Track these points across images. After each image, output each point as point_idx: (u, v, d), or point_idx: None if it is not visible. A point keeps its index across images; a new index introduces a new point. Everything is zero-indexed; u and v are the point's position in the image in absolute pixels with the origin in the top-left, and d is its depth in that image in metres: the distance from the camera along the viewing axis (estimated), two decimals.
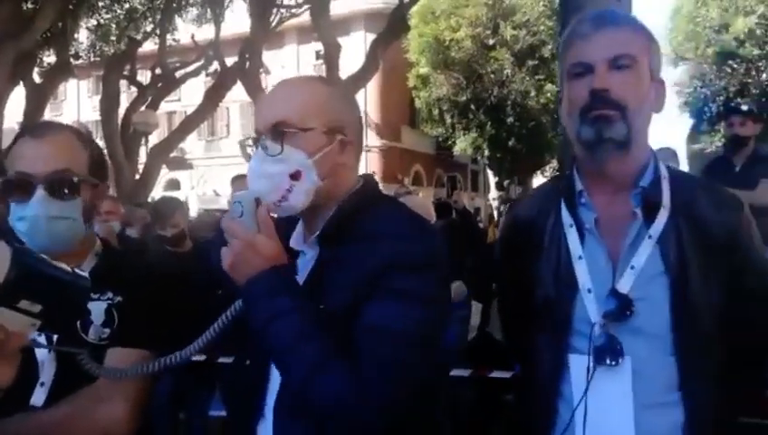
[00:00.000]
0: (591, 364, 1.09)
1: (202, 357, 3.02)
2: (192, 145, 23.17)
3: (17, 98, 12.37)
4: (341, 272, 1.03)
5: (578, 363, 1.13)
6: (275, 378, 1.07)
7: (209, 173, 24.78)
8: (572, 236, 1.18)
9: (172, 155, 15.18)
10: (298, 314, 0.97)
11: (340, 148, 1.10)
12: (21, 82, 11.96)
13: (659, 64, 1.20)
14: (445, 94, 20.04)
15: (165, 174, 19.74)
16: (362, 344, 0.96)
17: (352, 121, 1.14)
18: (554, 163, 22.01)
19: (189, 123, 13.39)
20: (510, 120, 19.65)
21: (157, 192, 14.19)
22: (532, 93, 19.07)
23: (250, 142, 1.11)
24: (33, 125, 1.34)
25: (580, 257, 1.16)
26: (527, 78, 19.01)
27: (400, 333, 0.96)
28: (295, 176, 1.05)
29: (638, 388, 1.09)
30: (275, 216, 1.09)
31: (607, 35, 1.15)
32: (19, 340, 0.82)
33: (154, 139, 13.74)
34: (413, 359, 0.97)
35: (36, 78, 12.63)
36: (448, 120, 20.90)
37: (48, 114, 14.45)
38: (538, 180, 25.60)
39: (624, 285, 1.10)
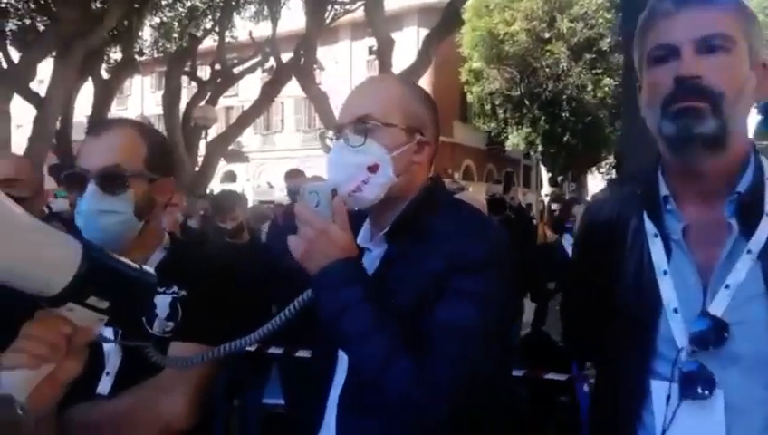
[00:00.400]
0: (677, 394, 0.97)
1: (254, 346, 3.12)
2: (248, 139, 23.75)
3: (86, 93, 13.02)
4: (407, 269, 1.05)
5: (660, 391, 1.00)
6: (340, 371, 1.10)
7: (264, 166, 25.39)
8: (657, 248, 1.03)
9: (230, 148, 15.60)
10: (372, 304, 0.98)
11: (418, 147, 1.13)
12: (90, 78, 12.58)
13: (760, 45, 1.01)
14: (498, 89, 19.77)
15: (222, 166, 20.34)
16: (430, 340, 0.97)
17: (430, 124, 1.17)
18: (611, 159, 21.36)
19: (246, 118, 13.73)
20: (565, 114, 19.21)
21: (215, 184, 14.66)
22: (589, 88, 18.57)
23: (330, 134, 1.15)
24: (97, 123, 1.37)
25: (665, 272, 1.01)
26: (584, 72, 18.52)
27: (467, 330, 0.97)
28: (373, 168, 1.07)
29: (731, 424, 0.94)
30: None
31: (695, 12, 0.98)
32: (86, 335, 0.85)
33: (213, 132, 14.16)
34: (479, 355, 0.98)
35: (104, 74, 13.23)
36: (501, 115, 20.62)
37: (114, 109, 15.14)
38: (593, 177, 24.89)
39: (717, 307, 0.96)
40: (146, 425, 1.12)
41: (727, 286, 0.96)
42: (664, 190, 1.06)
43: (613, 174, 21.14)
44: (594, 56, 18.53)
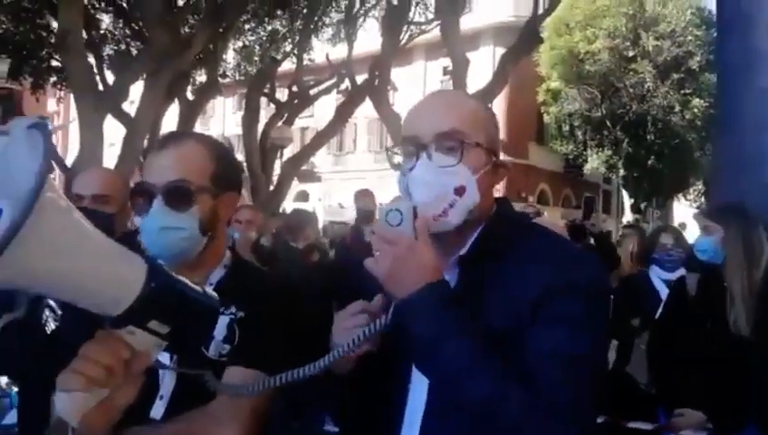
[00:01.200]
0: None
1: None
2: (321, 159, 24.28)
3: (172, 113, 13.75)
4: (490, 297, 0.99)
5: None
6: (415, 404, 1.02)
7: (336, 186, 25.81)
8: None
9: (303, 168, 15.97)
10: (473, 336, 0.92)
11: (494, 169, 1.07)
12: (176, 99, 13.28)
13: None
14: (577, 109, 19.17)
15: (295, 186, 20.85)
16: (537, 368, 0.92)
17: (499, 145, 1.12)
18: (699, 185, 20.11)
19: (320, 138, 14.03)
20: (650, 137, 18.30)
21: (287, 203, 15.00)
22: (677, 109, 17.63)
23: (398, 149, 1.08)
24: (164, 136, 1.36)
25: None
26: (671, 92, 17.62)
27: (573, 358, 0.93)
28: (459, 191, 1.01)
29: None
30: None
31: None
32: (145, 360, 0.82)
33: (288, 152, 14.55)
34: (586, 384, 0.94)
35: (189, 95, 13.95)
36: (579, 137, 19.94)
37: (198, 128, 15.89)
38: (679, 204, 23.49)
39: None
40: None
41: None
42: None
43: (702, 201, 19.89)
44: (682, 75, 17.61)
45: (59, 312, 1.98)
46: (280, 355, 1.11)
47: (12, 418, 2.60)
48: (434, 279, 0.94)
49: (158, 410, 1.15)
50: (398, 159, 1.09)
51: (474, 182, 1.02)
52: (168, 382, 1.16)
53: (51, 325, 1.94)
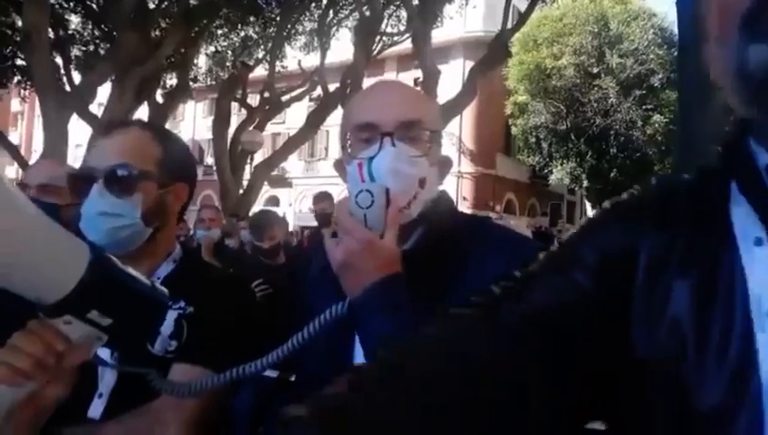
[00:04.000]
0: None
1: (275, 373, 3.04)
2: (292, 165, 24.20)
3: (141, 116, 13.60)
4: (437, 292, 0.90)
5: None
6: None
7: (306, 192, 25.76)
8: (762, 267, 0.53)
9: (273, 173, 15.93)
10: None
11: (444, 161, 1.05)
12: (145, 102, 13.13)
13: None
14: (543, 122, 19.61)
15: (266, 190, 20.75)
16: None
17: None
18: None
19: (291, 144, 14.01)
20: (613, 150, 18.84)
21: (258, 207, 14.92)
22: (639, 124, 18.21)
23: (348, 136, 1.01)
24: (107, 122, 1.30)
25: None
26: (633, 108, 18.19)
27: None
28: (422, 183, 0.96)
29: None
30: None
31: None
32: (81, 354, 0.76)
33: (258, 157, 14.49)
34: None
35: (159, 98, 13.80)
36: (545, 149, 20.40)
37: None
38: None
39: None
40: None
41: None
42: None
43: None
44: (644, 92, 18.20)
45: None
46: (229, 353, 1.01)
47: None
48: (390, 273, 0.88)
49: (96, 410, 1.05)
50: (354, 146, 1.00)
51: (434, 174, 0.99)
52: (108, 380, 1.07)
53: None
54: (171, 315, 1.11)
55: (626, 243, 0.61)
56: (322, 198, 4.56)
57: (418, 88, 17.87)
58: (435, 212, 1.00)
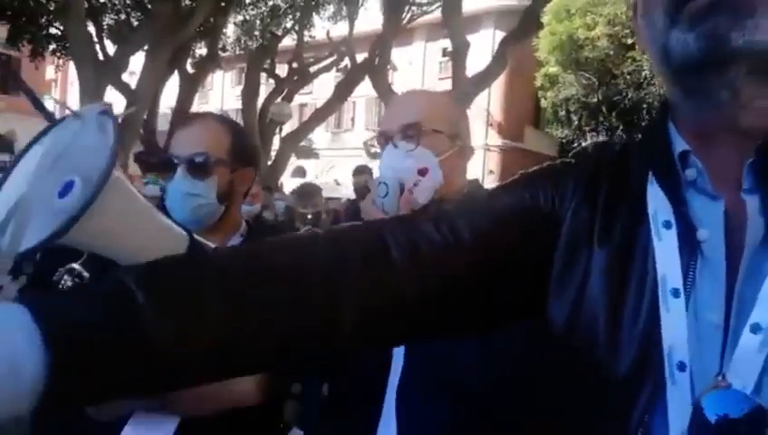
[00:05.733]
0: None
1: None
2: (319, 136, 24.29)
3: (171, 86, 13.76)
4: None
5: None
6: (397, 357, 1.11)
7: (333, 163, 25.87)
8: (666, 248, 0.56)
9: (301, 144, 16.03)
10: None
11: (459, 152, 1.23)
12: (175, 72, 13.29)
13: None
14: (573, 95, 19.24)
15: (293, 162, 20.91)
16: None
17: (465, 130, 1.28)
18: None
19: (319, 115, 14.09)
20: (645, 124, 18.45)
21: (285, 178, 15.11)
22: None
23: (374, 142, 1.26)
24: (187, 115, 1.49)
25: (675, 293, 0.54)
26: None
27: None
28: (423, 172, 1.14)
29: None
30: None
31: None
32: None
33: (286, 128, 14.61)
34: None
35: (189, 68, 13.94)
36: (575, 122, 20.06)
37: (196, 102, 15.88)
38: None
39: (741, 370, 0.50)
40: (216, 399, 1.19)
41: (756, 328, 0.50)
42: (682, 146, 0.59)
43: None
44: None
45: (85, 275, 2.15)
46: None
47: None
48: None
49: None
50: (374, 150, 1.26)
51: (436, 164, 1.16)
52: None
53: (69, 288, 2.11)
54: None
55: (552, 207, 0.65)
56: (361, 171, 4.86)
57: (446, 59, 17.60)
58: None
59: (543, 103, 20.66)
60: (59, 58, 13.77)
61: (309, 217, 4.32)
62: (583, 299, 0.59)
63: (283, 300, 0.58)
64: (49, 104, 19.83)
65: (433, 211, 0.69)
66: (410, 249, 0.62)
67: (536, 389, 0.68)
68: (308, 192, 4.67)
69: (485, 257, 0.63)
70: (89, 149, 0.73)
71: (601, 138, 19.44)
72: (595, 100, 18.98)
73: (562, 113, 20.21)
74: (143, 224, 0.81)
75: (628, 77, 18.18)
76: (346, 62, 14.42)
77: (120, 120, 0.78)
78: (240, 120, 14.38)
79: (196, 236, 0.89)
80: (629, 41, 18.05)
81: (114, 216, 0.74)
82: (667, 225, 0.57)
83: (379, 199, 1.13)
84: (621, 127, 18.90)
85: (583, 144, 19.99)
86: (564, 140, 21.47)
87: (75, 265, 2.10)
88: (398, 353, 1.12)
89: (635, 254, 0.58)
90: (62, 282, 2.09)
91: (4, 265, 0.64)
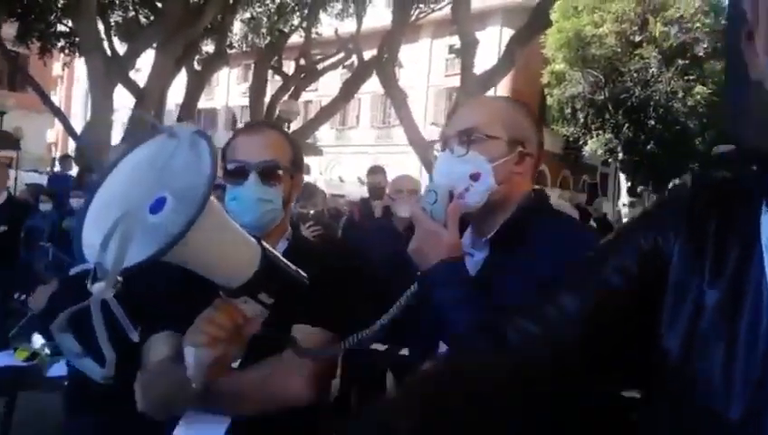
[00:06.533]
0: None
1: (383, 347, 3.24)
2: (323, 133, 24.29)
3: (178, 82, 13.78)
4: (512, 275, 1.08)
5: None
6: None
7: (337, 160, 25.88)
8: None
9: (306, 141, 16.04)
10: (480, 305, 1.04)
11: (519, 158, 1.20)
12: (183, 69, 13.31)
13: None
14: (580, 92, 19.20)
15: None
16: None
17: (533, 138, 1.24)
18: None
19: (325, 112, 14.08)
20: (651, 122, 18.39)
21: None
22: (680, 95, 17.69)
23: (437, 145, 1.27)
24: (247, 124, 1.53)
25: None
26: (675, 78, 17.65)
27: None
28: (474, 177, 1.15)
29: None
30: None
31: None
32: (254, 326, 0.96)
33: (293, 125, 14.62)
34: None
35: (196, 65, 13.95)
36: (581, 120, 20.02)
37: (203, 99, 15.91)
38: None
39: None
40: (268, 399, 1.23)
41: None
42: None
43: None
44: (688, 62, 17.63)
45: (119, 279, 2.16)
46: (339, 315, 1.26)
47: (59, 370, 2.66)
48: (451, 256, 1.09)
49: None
50: (435, 153, 1.28)
51: (489, 169, 1.15)
52: None
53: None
54: None
55: (659, 246, 0.64)
56: (376, 171, 4.79)
57: (453, 56, 17.53)
58: (519, 204, 1.20)
59: (549, 101, 20.61)
60: (67, 55, 13.81)
61: (311, 214, 4.30)
62: (696, 332, 0.59)
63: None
64: (55, 100, 19.83)
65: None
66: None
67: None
68: (308, 192, 4.62)
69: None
70: (182, 168, 0.75)
71: (607, 135, 19.39)
72: (601, 97, 18.94)
73: (568, 111, 20.18)
74: (225, 236, 0.84)
75: (635, 75, 18.13)
76: (353, 59, 14.41)
77: (211, 139, 0.78)
78: (247, 117, 14.43)
79: (264, 244, 0.93)
80: (637, 38, 18.01)
81: (203, 233, 0.76)
82: None
83: (428, 206, 1.13)
84: (627, 125, 18.85)
85: (588, 142, 19.95)
86: (570, 138, 21.44)
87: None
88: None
89: (747, 287, 0.57)
90: None
91: (112, 281, 0.66)
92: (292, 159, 1.42)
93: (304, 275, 0.99)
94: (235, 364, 1.26)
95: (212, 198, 0.76)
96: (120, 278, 1.80)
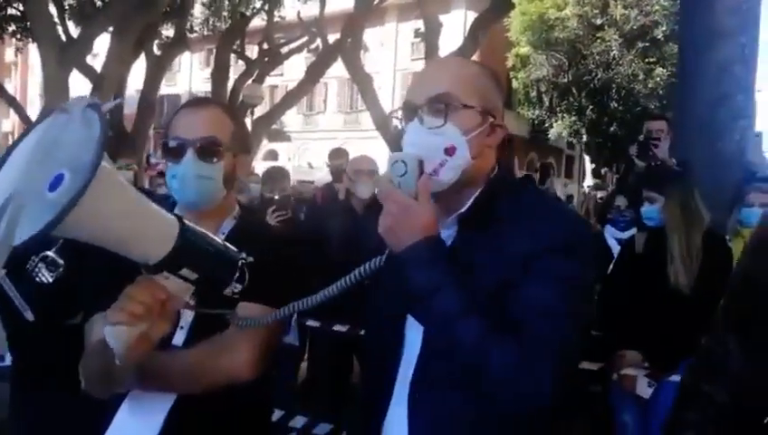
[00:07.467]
0: None
1: (345, 328, 3.25)
2: (291, 118, 24.03)
3: (137, 68, 13.41)
4: (485, 253, 1.03)
5: None
6: (410, 347, 1.08)
7: (305, 146, 25.67)
8: None
9: (272, 127, 15.85)
10: (462, 287, 0.97)
11: (491, 130, 1.10)
12: (142, 54, 12.95)
13: None
14: (544, 75, 19.39)
15: (265, 145, 20.67)
16: (523, 323, 0.95)
17: (500, 107, 1.14)
18: None
19: (290, 97, 13.93)
20: (613, 104, 18.72)
21: (257, 162, 14.96)
22: (641, 77, 18.02)
23: (399, 114, 1.12)
24: (188, 101, 1.50)
25: None
26: (636, 60, 17.96)
27: (562, 315, 0.96)
28: (449, 151, 1.04)
29: None
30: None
31: None
32: (177, 302, 0.98)
33: (258, 111, 14.42)
34: (572, 339, 0.98)
35: (155, 50, 13.59)
36: (546, 103, 20.25)
37: (163, 85, 15.53)
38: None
39: None
40: (211, 376, 1.23)
41: None
42: None
43: None
44: (647, 45, 17.95)
45: (60, 262, 2.13)
46: (283, 294, 1.20)
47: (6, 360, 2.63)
48: (428, 235, 0.98)
49: (179, 339, 1.29)
50: (397, 122, 1.13)
51: (464, 142, 1.04)
52: (187, 315, 1.30)
53: (43, 275, 2.09)
54: None
55: None
56: (338, 154, 4.75)
57: (419, 39, 17.43)
58: (490, 180, 1.12)
59: (515, 84, 20.78)
60: (19, 40, 13.29)
61: (275, 199, 4.28)
62: None
63: None
64: (9, 88, 19.12)
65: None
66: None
67: None
68: (274, 176, 4.61)
69: None
70: (76, 143, 0.75)
71: (572, 118, 19.67)
72: (565, 80, 19.18)
73: (533, 94, 20.38)
74: (133, 211, 0.84)
75: (597, 57, 18.39)
76: (317, 43, 14.24)
77: (104, 112, 0.78)
78: None
79: (186, 222, 0.93)
80: (599, 21, 18.23)
81: (104, 205, 0.77)
82: None
83: (395, 179, 1.01)
84: (591, 107, 19.15)
85: (554, 125, 20.21)
86: (536, 121, 21.69)
87: (49, 253, 2.09)
88: (411, 345, 1.08)
89: None
90: (37, 270, 2.08)
91: (1, 258, 0.66)
92: (234, 135, 1.39)
93: (239, 253, 1.00)
94: (179, 343, 1.28)
95: (118, 173, 0.77)
96: (60, 261, 1.77)
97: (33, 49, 15.13)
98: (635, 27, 17.88)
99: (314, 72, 13.18)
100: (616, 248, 3.58)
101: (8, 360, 2.73)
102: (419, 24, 13.38)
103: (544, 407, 0.96)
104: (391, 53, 24.08)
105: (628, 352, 2.73)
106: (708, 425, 0.71)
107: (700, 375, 0.72)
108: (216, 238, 0.98)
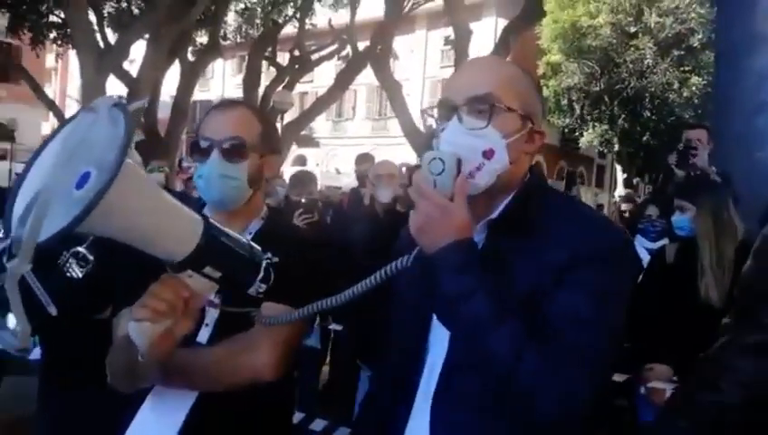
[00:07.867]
0: None
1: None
2: (319, 124, 24.24)
3: (171, 74, 13.70)
4: (516, 259, 1.00)
5: None
6: (435, 356, 1.06)
7: (333, 152, 25.84)
8: None
9: (302, 133, 16.01)
10: (495, 292, 0.94)
11: (529, 136, 1.06)
12: (176, 60, 13.23)
13: None
14: (576, 83, 19.16)
15: (294, 150, 20.89)
16: (557, 331, 0.92)
17: (539, 112, 1.10)
18: None
19: (320, 104, 14.04)
20: (647, 113, 18.38)
21: (286, 167, 15.10)
22: (675, 86, 17.66)
23: (433, 112, 1.09)
24: (219, 102, 1.53)
25: None
26: (670, 69, 17.61)
27: (595, 323, 0.94)
28: (488, 154, 1.00)
29: None
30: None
31: None
32: (200, 299, 0.99)
33: (287, 117, 14.58)
34: (606, 348, 0.97)
35: (189, 57, 13.88)
36: (577, 111, 19.99)
37: (197, 90, 15.85)
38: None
39: None
40: (232, 374, 1.24)
41: None
42: None
43: None
44: (683, 53, 17.59)
45: (90, 258, 2.18)
46: (308, 294, 1.19)
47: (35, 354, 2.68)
48: (462, 238, 0.95)
49: (203, 336, 1.30)
50: (431, 121, 1.09)
51: (503, 147, 1.01)
52: (213, 313, 1.31)
53: (74, 270, 2.14)
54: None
55: None
56: (364, 159, 4.79)
57: (449, 47, 17.39)
58: (523, 186, 1.08)
59: (545, 92, 20.57)
60: (59, 46, 13.73)
61: (302, 202, 4.30)
62: None
63: None
64: (49, 92, 19.77)
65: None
66: None
67: None
68: (302, 180, 4.68)
69: None
70: (103, 141, 0.76)
71: (603, 127, 19.37)
72: (597, 88, 18.91)
73: (564, 102, 20.14)
74: (158, 209, 0.85)
75: (630, 66, 18.09)
76: (347, 50, 14.35)
77: (131, 111, 0.80)
78: None
79: (211, 220, 0.94)
80: (632, 29, 17.94)
81: (129, 202, 0.78)
82: None
83: (431, 177, 0.96)
84: (623, 116, 18.84)
85: (585, 133, 19.93)
86: (566, 129, 21.42)
87: (80, 249, 2.14)
88: (436, 352, 1.06)
89: None
90: (68, 265, 2.13)
91: (27, 253, 0.68)
92: (262, 136, 1.41)
93: (264, 253, 1.01)
94: (204, 340, 1.30)
95: (143, 171, 0.78)
96: (90, 257, 1.80)
97: (72, 55, 15.64)
98: (670, 35, 17.55)
99: (344, 79, 13.27)
100: (646, 259, 3.51)
101: (36, 353, 2.80)
102: (449, 31, 13.38)
103: (574, 416, 0.94)
104: (421, 60, 24.11)
105: (657, 366, 2.66)
106: (702, 430, 0.70)
107: (704, 382, 0.72)
108: (241, 238, 0.99)
